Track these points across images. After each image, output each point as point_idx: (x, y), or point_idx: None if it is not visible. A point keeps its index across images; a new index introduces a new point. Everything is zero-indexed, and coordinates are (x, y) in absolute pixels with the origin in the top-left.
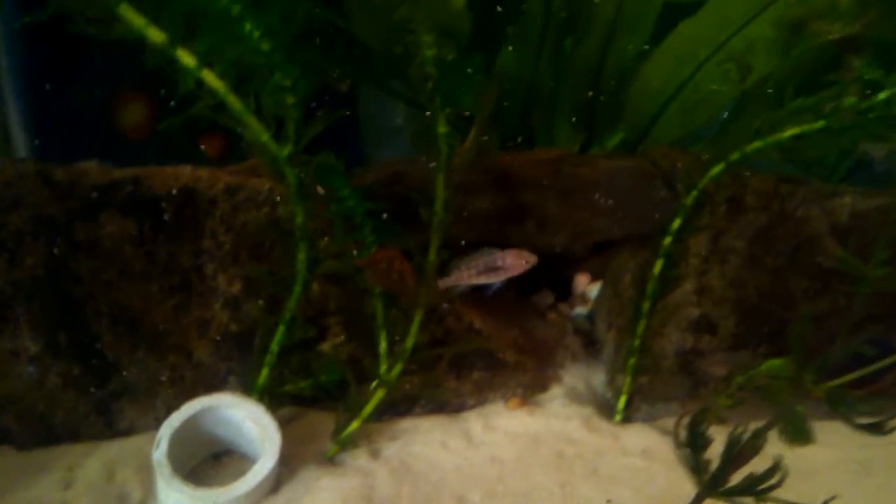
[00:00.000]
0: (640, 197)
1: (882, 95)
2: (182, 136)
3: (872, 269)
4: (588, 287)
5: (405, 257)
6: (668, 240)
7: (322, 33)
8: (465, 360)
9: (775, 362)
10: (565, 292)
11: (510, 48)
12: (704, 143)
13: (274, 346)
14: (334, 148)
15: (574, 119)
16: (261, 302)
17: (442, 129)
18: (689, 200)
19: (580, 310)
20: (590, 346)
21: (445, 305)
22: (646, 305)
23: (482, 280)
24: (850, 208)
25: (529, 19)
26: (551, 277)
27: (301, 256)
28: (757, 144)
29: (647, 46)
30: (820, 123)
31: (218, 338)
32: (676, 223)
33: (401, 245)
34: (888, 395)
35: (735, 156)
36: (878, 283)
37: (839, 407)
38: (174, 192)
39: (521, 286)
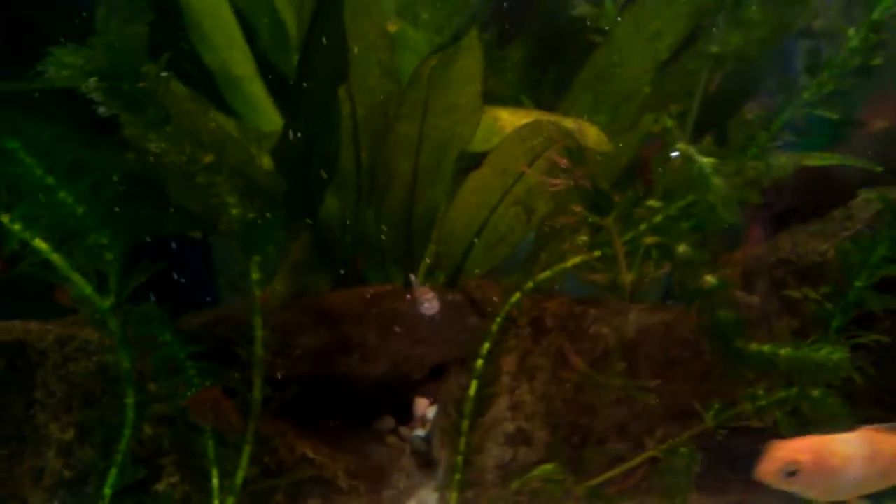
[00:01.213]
0: (454, 325)
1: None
2: (36, 287)
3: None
4: (427, 409)
5: (227, 395)
6: (479, 362)
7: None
8: (301, 489)
9: (546, 467)
10: (409, 416)
11: (332, 198)
12: (517, 273)
13: (107, 490)
14: (189, 292)
15: (397, 259)
16: (93, 447)
17: (254, 275)
18: (494, 326)
19: (419, 432)
20: (427, 466)
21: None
22: (465, 424)
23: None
24: (635, 324)
25: (344, 172)
26: (394, 402)
27: (129, 401)
28: (546, 274)
29: None
30: (597, 253)
31: (52, 485)
32: (486, 347)
33: (224, 384)
34: (639, 490)
35: (529, 285)
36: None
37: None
38: (5, 345)
39: (364, 412)
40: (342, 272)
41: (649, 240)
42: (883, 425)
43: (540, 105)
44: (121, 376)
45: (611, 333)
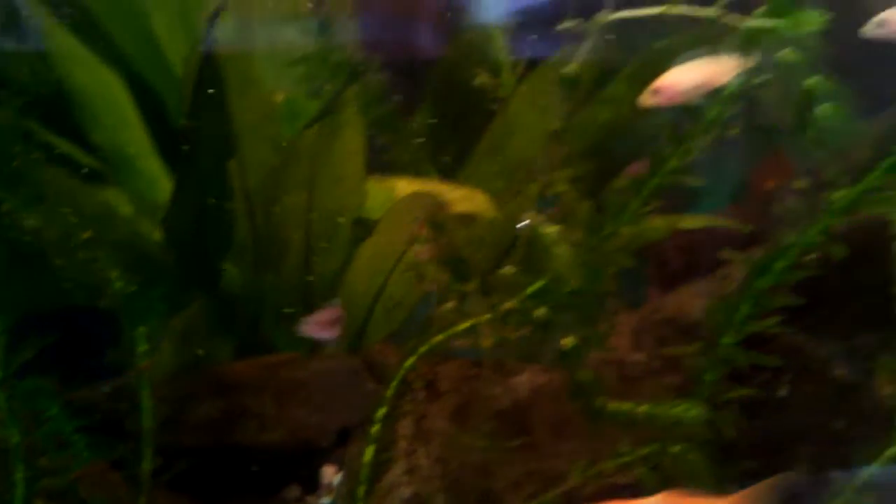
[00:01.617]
0: (352, 391)
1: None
2: None
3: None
4: (334, 477)
5: (114, 468)
6: (375, 427)
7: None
8: None
9: None
10: (316, 484)
11: (232, 266)
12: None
13: None
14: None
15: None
16: None
17: (140, 347)
18: (390, 391)
19: (325, 500)
20: None
21: None
22: (361, 489)
23: None
24: (528, 384)
25: (241, 241)
26: (301, 471)
27: (19, 476)
28: (439, 337)
29: None
30: (485, 316)
31: None
32: (382, 411)
33: (113, 456)
34: None
35: (423, 348)
36: None
37: None
38: None
39: (271, 482)
40: (246, 340)
41: (508, 304)
42: (688, 490)
43: (445, 173)
44: (9, 451)
45: (504, 394)
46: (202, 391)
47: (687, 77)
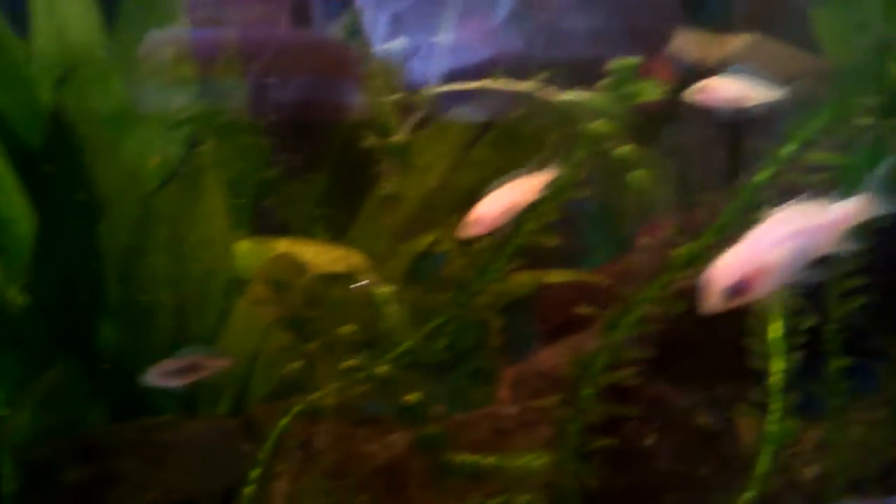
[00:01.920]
0: (227, 453)
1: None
2: None
3: None
4: None
5: None
6: (250, 488)
7: None
8: None
9: None
10: None
11: (108, 328)
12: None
13: None
14: None
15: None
16: None
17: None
18: (264, 451)
19: None
20: None
21: None
22: None
23: None
24: (404, 440)
25: (113, 304)
26: None
27: None
28: (319, 394)
29: None
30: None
31: None
32: (257, 472)
33: None
34: None
35: (298, 407)
36: None
37: None
38: None
39: None
40: (123, 402)
41: (348, 363)
42: None
43: (336, 234)
44: None
45: (380, 451)
46: (71, 455)
47: (498, 203)
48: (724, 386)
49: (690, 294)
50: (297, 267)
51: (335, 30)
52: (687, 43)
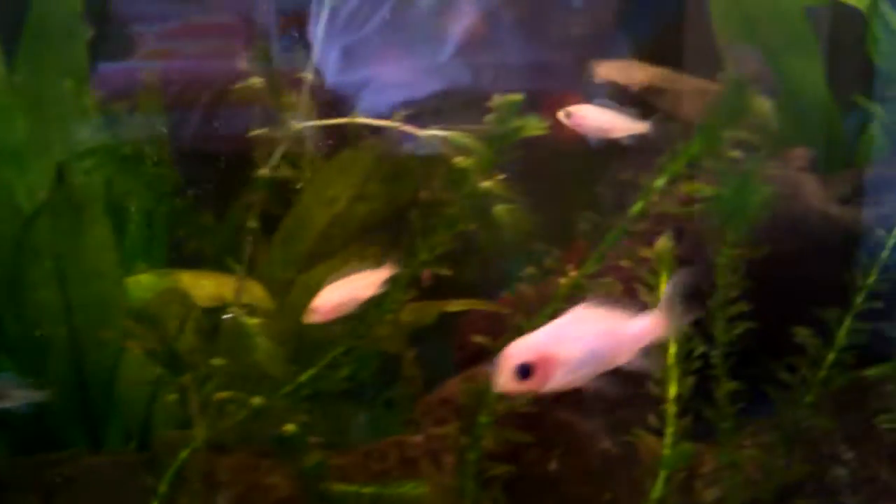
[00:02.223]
0: (127, 487)
1: None
2: None
3: None
4: None
5: None
6: None
7: None
8: None
9: None
10: None
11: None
12: None
13: None
14: None
15: (81, 421)
16: None
17: None
18: (163, 486)
19: None
20: None
21: None
22: None
23: None
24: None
25: (8, 339)
26: None
27: None
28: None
29: None
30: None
31: None
32: None
33: None
34: None
35: (199, 440)
36: None
37: None
38: None
39: None
40: (25, 437)
41: (221, 394)
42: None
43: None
44: None
45: (283, 482)
46: None
47: (337, 294)
48: (625, 410)
49: None
50: (184, 300)
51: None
52: (610, 71)
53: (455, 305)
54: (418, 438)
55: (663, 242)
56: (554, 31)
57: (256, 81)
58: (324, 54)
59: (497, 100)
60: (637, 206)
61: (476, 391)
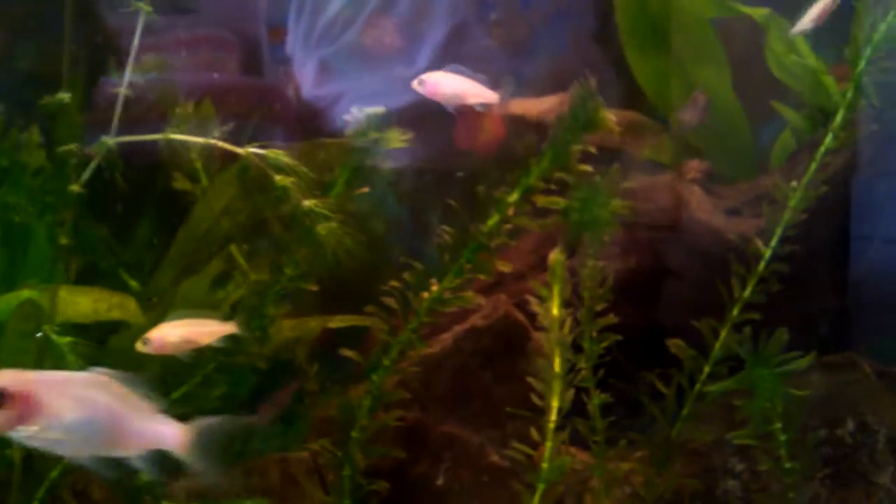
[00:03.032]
0: None
1: None
2: None
3: None
4: None
5: None
6: None
7: None
8: None
9: None
10: None
11: None
12: None
13: None
14: None
15: None
16: None
17: None
18: (36, 501)
19: None
20: None
21: None
22: None
23: None
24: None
25: None
26: None
27: None
28: None
29: None
30: None
31: None
32: None
33: None
34: None
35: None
36: None
37: None
38: None
39: None
40: None
41: None
42: None
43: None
44: None
45: None
46: None
47: (175, 332)
48: (514, 423)
49: (479, 334)
50: (44, 316)
51: None
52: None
53: (339, 321)
54: (304, 454)
55: (556, 255)
56: (469, 45)
57: None
58: (301, 66)
59: (357, 113)
60: (492, 220)
61: (348, 406)
